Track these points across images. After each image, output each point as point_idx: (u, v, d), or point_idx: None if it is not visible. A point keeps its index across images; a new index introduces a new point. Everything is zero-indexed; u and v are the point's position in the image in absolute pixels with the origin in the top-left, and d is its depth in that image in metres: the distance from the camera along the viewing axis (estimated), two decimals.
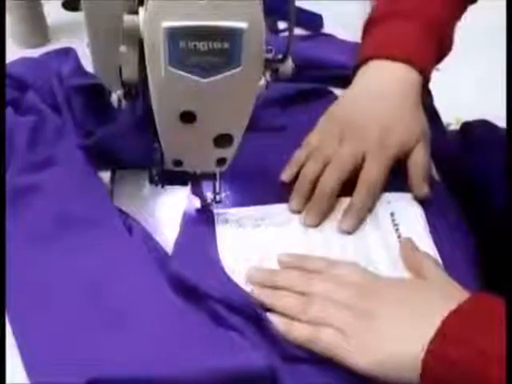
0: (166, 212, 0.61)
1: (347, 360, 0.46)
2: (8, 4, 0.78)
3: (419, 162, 0.61)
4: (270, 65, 0.45)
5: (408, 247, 0.56)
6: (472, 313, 0.45)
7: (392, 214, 0.60)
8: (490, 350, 0.42)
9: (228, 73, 0.40)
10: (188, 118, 0.44)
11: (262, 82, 0.45)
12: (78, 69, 0.68)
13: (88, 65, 0.69)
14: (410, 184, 0.61)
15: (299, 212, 0.60)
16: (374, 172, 0.59)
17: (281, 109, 0.72)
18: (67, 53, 0.71)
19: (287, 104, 0.73)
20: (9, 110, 0.66)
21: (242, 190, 0.62)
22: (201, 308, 0.51)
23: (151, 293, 0.51)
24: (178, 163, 0.51)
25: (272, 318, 0.50)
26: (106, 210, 0.58)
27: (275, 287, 0.52)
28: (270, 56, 0.45)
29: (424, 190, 0.61)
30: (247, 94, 0.44)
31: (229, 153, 0.50)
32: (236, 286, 0.52)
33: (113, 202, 0.60)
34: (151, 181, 0.55)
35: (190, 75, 0.40)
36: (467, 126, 0.81)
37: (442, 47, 0.66)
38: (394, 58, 0.63)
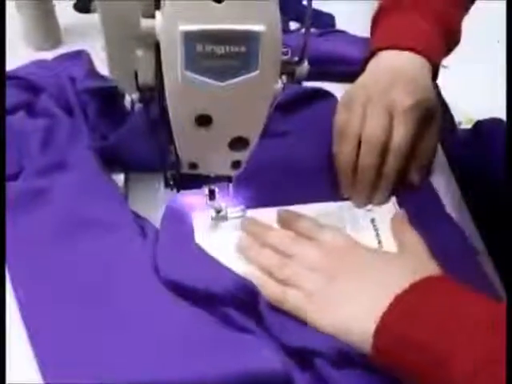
0: None
1: (309, 320, 0.50)
2: (19, 6, 0.78)
3: (425, 147, 0.63)
4: (286, 67, 0.45)
5: (398, 219, 0.58)
6: (426, 291, 0.46)
7: (373, 220, 0.61)
8: (439, 327, 0.43)
9: (245, 76, 0.40)
10: (204, 121, 0.44)
11: (279, 84, 0.44)
12: (91, 72, 0.68)
13: (100, 67, 0.69)
14: (408, 166, 0.63)
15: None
16: (402, 137, 0.60)
17: (281, 114, 0.70)
18: (80, 55, 0.72)
19: (287, 108, 0.71)
20: (22, 114, 0.66)
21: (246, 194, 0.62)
22: (209, 310, 0.51)
23: (164, 296, 0.51)
24: (194, 166, 0.50)
25: (252, 272, 0.54)
26: (120, 213, 0.58)
27: (263, 243, 0.56)
28: (286, 58, 0.45)
29: (415, 178, 0.63)
30: (264, 97, 0.44)
31: (244, 156, 0.49)
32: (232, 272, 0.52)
33: (127, 205, 0.60)
34: (166, 185, 0.54)
35: (206, 79, 0.40)
36: (480, 125, 0.81)
37: (448, 37, 0.67)
38: (400, 47, 0.65)
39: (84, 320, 0.50)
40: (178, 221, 0.57)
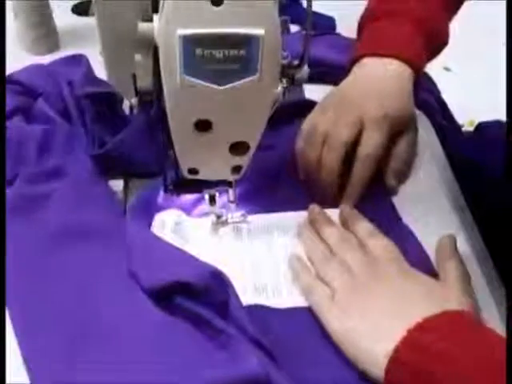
0: None
1: (323, 321, 0.50)
2: (16, 9, 0.78)
3: (400, 152, 0.63)
4: (286, 71, 0.45)
5: (445, 242, 0.55)
6: (442, 326, 0.45)
7: None
8: (451, 358, 0.42)
9: (244, 80, 0.39)
10: (203, 126, 0.44)
11: (279, 88, 0.44)
12: (90, 76, 0.68)
13: (99, 71, 0.68)
14: (384, 171, 0.63)
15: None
16: (371, 145, 0.60)
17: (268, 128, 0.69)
18: (78, 60, 0.71)
19: (272, 121, 0.69)
20: (19, 118, 0.65)
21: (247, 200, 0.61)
22: (184, 316, 0.49)
23: (147, 305, 0.50)
24: (194, 171, 0.50)
25: (293, 258, 0.56)
26: (114, 222, 0.57)
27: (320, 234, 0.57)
28: (285, 62, 0.44)
29: (391, 182, 0.63)
30: (264, 102, 0.43)
31: (244, 160, 0.49)
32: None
33: (125, 211, 0.59)
34: (166, 189, 0.54)
35: (205, 83, 0.39)
36: (482, 127, 0.81)
37: (433, 42, 0.67)
38: (382, 54, 0.65)
39: (74, 329, 0.48)
40: (141, 220, 0.57)
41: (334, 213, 0.60)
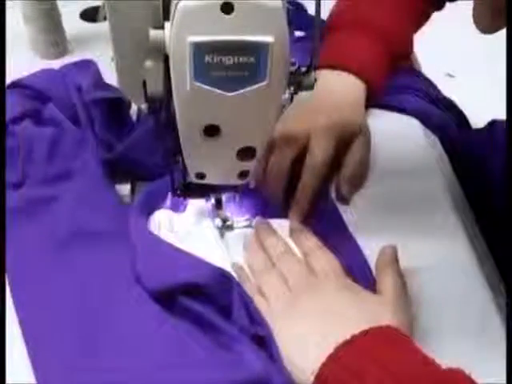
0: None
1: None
2: (26, 14, 0.79)
3: (351, 160, 0.64)
4: (294, 78, 0.46)
5: (385, 253, 0.54)
6: (365, 343, 0.45)
7: None
8: (369, 377, 0.42)
9: (253, 87, 0.40)
10: (212, 131, 0.44)
11: (286, 95, 0.45)
12: (98, 81, 0.69)
13: (107, 76, 0.69)
14: (337, 179, 0.64)
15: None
16: (318, 154, 0.61)
17: None
18: (87, 65, 0.72)
19: None
20: (29, 122, 0.66)
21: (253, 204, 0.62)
22: (188, 316, 0.50)
23: (152, 307, 0.51)
24: (201, 176, 0.51)
25: (235, 267, 0.56)
26: (120, 226, 0.57)
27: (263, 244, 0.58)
28: (293, 69, 0.45)
29: (344, 189, 0.63)
30: (271, 108, 0.44)
31: (251, 165, 0.50)
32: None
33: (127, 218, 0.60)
34: (174, 193, 0.55)
35: (215, 89, 0.40)
36: (492, 126, 0.81)
37: (394, 53, 0.69)
38: (334, 67, 0.67)
39: (82, 332, 0.49)
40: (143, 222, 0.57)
41: (283, 223, 0.60)
